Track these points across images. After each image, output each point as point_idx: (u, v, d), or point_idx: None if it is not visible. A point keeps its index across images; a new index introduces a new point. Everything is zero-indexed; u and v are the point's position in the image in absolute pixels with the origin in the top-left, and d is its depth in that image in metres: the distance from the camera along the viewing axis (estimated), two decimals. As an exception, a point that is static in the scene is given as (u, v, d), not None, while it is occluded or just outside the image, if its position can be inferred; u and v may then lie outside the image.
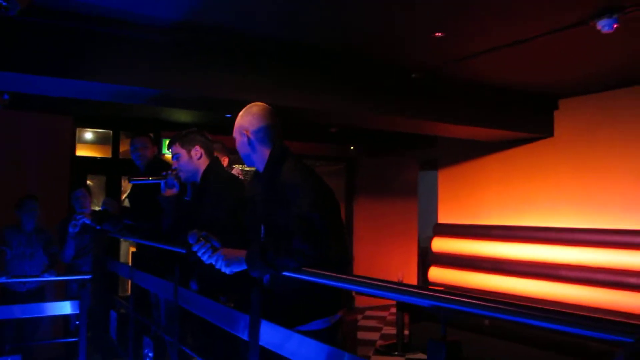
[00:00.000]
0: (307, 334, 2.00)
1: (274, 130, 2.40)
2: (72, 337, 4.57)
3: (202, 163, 3.05)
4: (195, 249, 2.27)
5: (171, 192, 3.16)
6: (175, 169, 3.09)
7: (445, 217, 6.94)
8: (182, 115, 6.43)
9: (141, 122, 6.49)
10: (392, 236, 8.83)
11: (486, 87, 5.38)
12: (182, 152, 3.03)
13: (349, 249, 2.35)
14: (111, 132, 6.90)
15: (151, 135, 4.31)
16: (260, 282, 2.27)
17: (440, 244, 6.48)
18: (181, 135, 3.06)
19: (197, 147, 3.02)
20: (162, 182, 3.18)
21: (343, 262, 2.22)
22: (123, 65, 3.89)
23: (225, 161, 4.37)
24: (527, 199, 5.95)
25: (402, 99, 5.04)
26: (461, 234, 6.26)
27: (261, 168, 2.41)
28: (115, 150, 6.87)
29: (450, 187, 6.95)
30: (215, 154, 3.21)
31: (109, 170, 6.84)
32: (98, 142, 7.47)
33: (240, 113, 2.45)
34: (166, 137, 6.81)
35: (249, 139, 2.37)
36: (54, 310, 4.60)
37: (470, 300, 1.40)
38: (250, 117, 2.40)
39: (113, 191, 6.78)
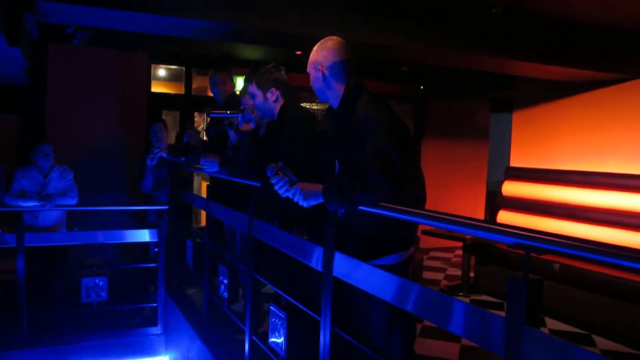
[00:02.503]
0: (379, 268, 2.04)
1: (348, 65, 2.36)
2: (152, 263, 4.88)
3: (278, 103, 3.04)
4: (273, 181, 2.32)
5: (248, 126, 3.21)
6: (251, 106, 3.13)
7: (518, 160, 6.72)
8: (253, 52, 6.42)
9: (212, 59, 6.55)
10: (460, 179, 8.67)
11: (571, 23, 5.02)
12: (259, 93, 3.02)
13: (424, 186, 2.32)
14: (184, 69, 7.02)
15: (227, 70, 4.34)
16: (335, 215, 2.30)
17: (512, 188, 6.30)
18: (258, 75, 3.02)
19: (273, 90, 2.99)
20: (240, 116, 3.23)
21: (419, 198, 2.21)
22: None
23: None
24: (608, 144, 5.63)
25: (480, 35, 4.80)
26: (534, 178, 6.05)
27: (335, 104, 2.39)
28: (188, 86, 7.02)
29: (525, 130, 6.68)
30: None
31: (182, 105, 7.02)
32: (171, 79, 7.65)
33: (315, 48, 2.41)
34: (237, 74, 6.86)
35: (323, 74, 2.35)
36: (134, 237, 4.90)
37: (560, 240, 1.35)
38: (325, 51, 2.36)
39: (186, 126, 6.99)
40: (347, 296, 2.30)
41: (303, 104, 7.57)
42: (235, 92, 4.35)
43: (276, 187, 2.31)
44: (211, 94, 4.51)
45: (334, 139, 2.39)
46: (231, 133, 3.49)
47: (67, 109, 6.01)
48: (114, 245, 5.75)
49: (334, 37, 2.40)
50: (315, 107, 7.56)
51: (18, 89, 5.70)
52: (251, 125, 3.20)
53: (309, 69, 2.42)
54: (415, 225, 2.44)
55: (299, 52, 5.63)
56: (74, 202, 4.70)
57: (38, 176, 4.67)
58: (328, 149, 2.44)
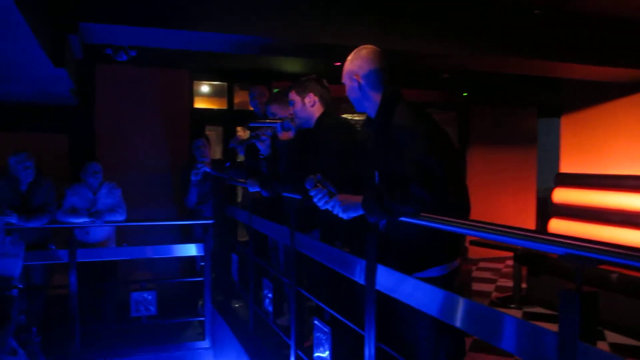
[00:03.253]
0: (424, 280, 1.97)
1: (384, 74, 2.31)
2: (198, 277, 4.93)
3: (316, 110, 3.05)
4: (312, 194, 2.29)
5: (287, 135, 3.22)
6: (291, 114, 3.14)
7: (568, 166, 6.48)
8: (291, 65, 6.46)
9: (253, 74, 6.63)
10: (508, 187, 8.44)
11: (618, 20, 4.82)
12: (297, 99, 3.07)
13: (468, 195, 2.24)
14: (226, 84, 7.13)
15: (269, 84, 4.39)
16: (376, 227, 2.25)
17: (563, 195, 6.08)
18: (297, 83, 3.10)
19: (311, 95, 3.03)
20: (278, 125, 3.24)
21: (463, 208, 2.13)
22: (235, 14, 3.96)
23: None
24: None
25: (523, 38, 4.67)
26: (587, 184, 5.81)
27: (373, 113, 2.34)
28: (230, 101, 7.11)
29: (574, 135, 6.45)
30: None
31: (224, 120, 7.11)
32: (213, 94, 7.77)
33: (349, 57, 2.37)
34: (276, 87, 6.92)
35: (359, 83, 2.31)
36: (181, 251, 4.97)
37: (615, 250, 1.27)
38: (359, 60, 2.32)
39: (229, 141, 7.07)
40: (391, 309, 2.24)
41: (344, 115, 7.55)
42: None
43: (315, 200, 2.28)
44: (252, 108, 4.57)
45: (373, 149, 2.34)
46: (260, 146, 3.51)
47: (114, 127, 6.19)
48: (162, 260, 5.85)
49: (368, 46, 2.36)
50: (357, 118, 7.53)
51: (67, 109, 5.90)
52: (290, 134, 3.21)
53: (344, 79, 2.38)
54: (460, 236, 2.36)
55: (337, 64, 5.63)
56: (123, 218, 4.81)
57: (88, 193, 4.81)
58: (367, 160, 2.40)
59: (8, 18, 2.34)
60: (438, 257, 2.21)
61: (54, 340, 4.34)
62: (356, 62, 2.33)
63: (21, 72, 3.83)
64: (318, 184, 2.26)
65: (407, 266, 2.14)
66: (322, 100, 3.06)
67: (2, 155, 4.71)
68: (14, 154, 4.57)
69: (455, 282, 2.26)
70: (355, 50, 2.37)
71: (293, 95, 3.09)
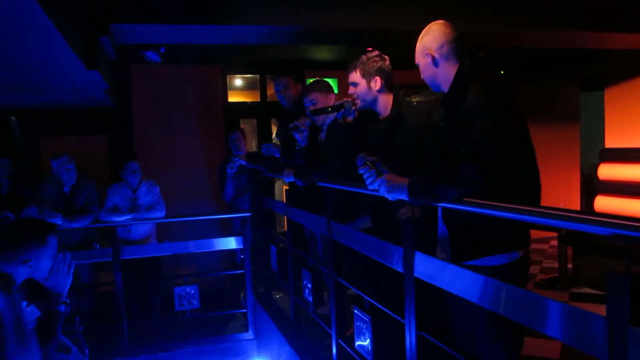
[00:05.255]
0: (478, 269, 1.86)
1: (459, 45, 2.19)
2: (239, 270, 4.97)
3: (382, 95, 2.81)
4: (361, 172, 2.24)
5: (349, 119, 3.01)
6: (352, 95, 2.86)
7: (613, 141, 6.24)
8: (325, 54, 6.41)
9: (285, 64, 6.60)
10: (550, 164, 8.15)
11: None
12: (362, 81, 2.78)
13: (539, 180, 2.09)
14: (258, 76, 7.14)
15: (290, 75, 4.26)
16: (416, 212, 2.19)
17: (609, 171, 5.85)
18: (362, 62, 2.79)
19: (377, 79, 2.76)
20: (341, 113, 3.05)
21: (530, 193, 2.00)
22: (266, 5, 3.94)
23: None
24: None
25: (561, 9, 4.49)
26: (634, 159, 5.57)
27: (447, 89, 2.23)
28: (263, 93, 7.13)
29: (620, 108, 6.19)
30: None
31: (258, 113, 7.14)
32: (246, 87, 7.81)
33: (420, 37, 2.27)
34: (310, 77, 6.88)
35: (433, 58, 2.20)
36: (221, 245, 5.02)
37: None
38: (431, 35, 2.22)
39: (264, 133, 7.10)
40: (437, 298, 2.17)
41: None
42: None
43: (365, 178, 2.23)
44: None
45: (444, 128, 2.23)
46: (298, 137, 3.46)
47: (151, 125, 6.29)
48: (203, 254, 5.93)
49: (439, 21, 2.25)
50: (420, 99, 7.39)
51: (106, 110, 6.03)
52: (350, 118, 3.00)
53: (418, 59, 2.27)
54: (526, 224, 2.17)
55: (369, 49, 5.54)
56: (162, 214, 4.89)
57: (128, 192, 4.90)
58: (439, 140, 2.28)
59: (38, 24, 2.38)
60: (497, 245, 2.08)
61: (103, 336, 4.46)
62: (427, 37, 2.23)
63: (57, 77, 3.92)
64: (368, 163, 2.22)
65: (460, 252, 2.08)
66: (387, 82, 2.80)
67: (47, 159, 4.86)
68: (56, 157, 4.69)
69: (519, 276, 2.09)
70: (425, 29, 2.27)
71: (356, 77, 2.79)
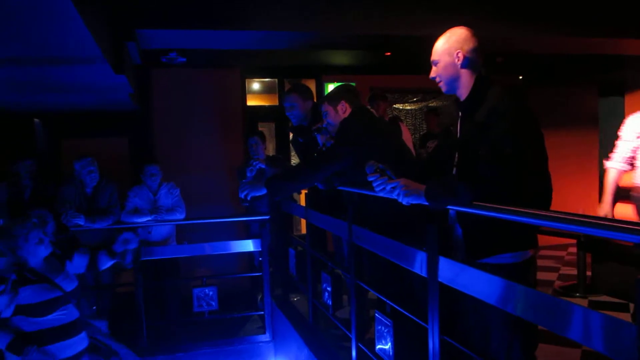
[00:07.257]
0: (491, 266, 1.93)
1: (482, 53, 2.24)
2: (257, 272, 5.01)
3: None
4: (370, 179, 2.28)
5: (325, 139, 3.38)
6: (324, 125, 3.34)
7: (633, 147, 6.16)
8: (341, 58, 6.44)
9: (303, 69, 6.65)
10: (568, 170, 8.11)
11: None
12: (329, 109, 3.25)
13: (551, 185, 2.13)
14: (276, 80, 7.19)
15: (298, 92, 4.12)
16: (438, 217, 2.20)
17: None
18: (328, 95, 3.31)
19: (343, 102, 3.20)
20: (318, 136, 3.51)
21: (542, 199, 2.02)
22: (286, 11, 3.98)
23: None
24: None
25: (578, 15, 4.47)
26: (655, 166, 5.52)
27: (464, 95, 2.25)
28: (281, 97, 7.17)
29: (639, 114, 6.12)
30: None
31: (276, 116, 7.18)
32: (265, 91, 7.86)
33: (444, 39, 2.27)
34: (327, 82, 6.91)
35: (464, 57, 2.20)
36: (239, 247, 5.06)
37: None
38: (461, 37, 2.22)
39: (282, 136, 7.14)
40: (455, 300, 2.19)
41: (395, 105, 7.47)
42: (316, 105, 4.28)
43: (374, 185, 2.26)
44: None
45: (460, 132, 2.26)
46: (320, 139, 3.52)
47: (171, 129, 6.36)
48: (221, 257, 5.98)
49: (462, 27, 2.27)
50: (408, 107, 7.43)
51: (127, 113, 6.11)
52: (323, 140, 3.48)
53: (442, 55, 2.25)
54: (534, 226, 2.21)
55: (388, 54, 5.57)
56: (182, 216, 4.94)
57: (148, 194, 4.97)
58: (452, 144, 2.31)
59: (70, 23, 2.41)
60: (509, 243, 2.12)
61: (123, 336, 4.52)
62: (458, 39, 2.23)
63: (85, 79, 3.98)
64: (378, 171, 2.25)
65: (475, 250, 2.10)
66: (353, 106, 3.24)
67: (68, 161, 4.94)
68: (78, 159, 4.77)
69: (529, 275, 2.15)
70: (449, 32, 2.27)
71: (325, 107, 3.28)
